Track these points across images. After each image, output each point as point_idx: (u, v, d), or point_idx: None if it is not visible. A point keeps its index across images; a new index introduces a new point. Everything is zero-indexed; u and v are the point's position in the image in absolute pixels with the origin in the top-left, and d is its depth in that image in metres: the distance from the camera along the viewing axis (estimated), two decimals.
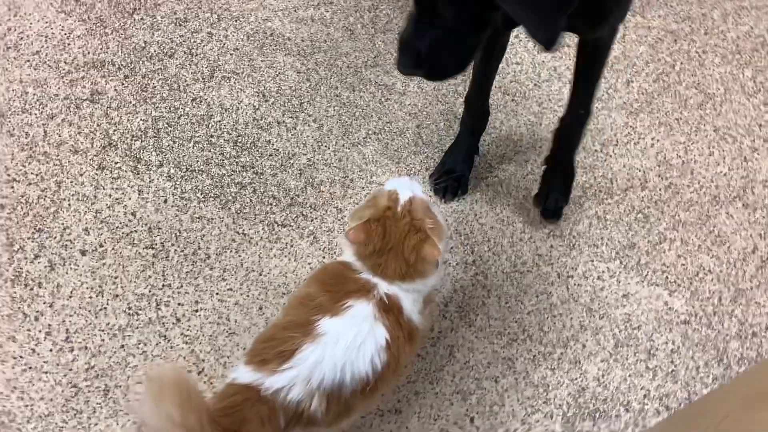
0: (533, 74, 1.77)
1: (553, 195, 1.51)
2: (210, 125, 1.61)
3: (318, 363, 0.99)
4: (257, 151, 1.58)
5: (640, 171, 1.62)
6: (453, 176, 1.54)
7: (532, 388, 1.32)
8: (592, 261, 1.48)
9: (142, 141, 1.57)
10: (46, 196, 1.47)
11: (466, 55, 1.10)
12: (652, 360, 1.37)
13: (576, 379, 1.34)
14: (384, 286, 1.06)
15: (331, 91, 1.69)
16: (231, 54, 1.73)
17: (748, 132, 1.71)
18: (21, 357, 1.27)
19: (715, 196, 1.60)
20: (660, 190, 1.60)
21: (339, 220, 1.49)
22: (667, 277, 1.48)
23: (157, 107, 1.62)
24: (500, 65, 1.46)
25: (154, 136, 1.58)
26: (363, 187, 1.54)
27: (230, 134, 1.60)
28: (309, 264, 1.43)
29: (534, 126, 1.67)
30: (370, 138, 1.62)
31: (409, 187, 1.11)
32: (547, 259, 1.48)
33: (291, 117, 1.64)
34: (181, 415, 0.87)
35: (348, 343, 1.01)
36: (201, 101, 1.65)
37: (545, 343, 1.38)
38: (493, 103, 1.58)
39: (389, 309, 1.05)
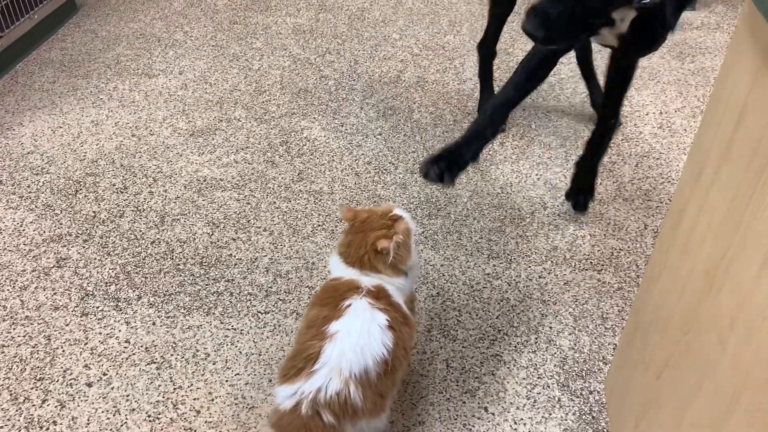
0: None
1: (583, 192, 1.91)
2: (174, 257, 1.78)
3: (342, 354, 1.16)
4: (223, 264, 1.76)
5: (537, 198, 1.98)
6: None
7: (524, 370, 1.51)
8: (530, 266, 1.76)
9: (116, 284, 1.71)
10: (38, 350, 1.54)
11: (579, 33, 1.38)
12: (607, 322, 1.62)
13: (555, 353, 1.54)
14: (367, 281, 1.26)
15: (270, 206, 1.95)
16: (174, 202, 1.96)
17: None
18: None
19: (599, 200, 1.97)
20: (558, 206, 1.95)
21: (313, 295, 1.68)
22: (591, 262, 1.78)
23: (121, 256, 1.79)
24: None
25: (126, 278, 1.72)
26: (324, 266, 1.76)
27: (194, 258, 1.78)
28: None
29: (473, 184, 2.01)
30: (316, 230, 1.87)
31: (406, 215, 1.34)
32: (494, 275, 1.73)
33: (243, 233, 1.86)
34: None
35: (358, 330, 1.18)
36: (159, 242, 1.83)
37: (519, 335, 1.59)
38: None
39: (378, 296, 1.24)
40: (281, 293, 1.68)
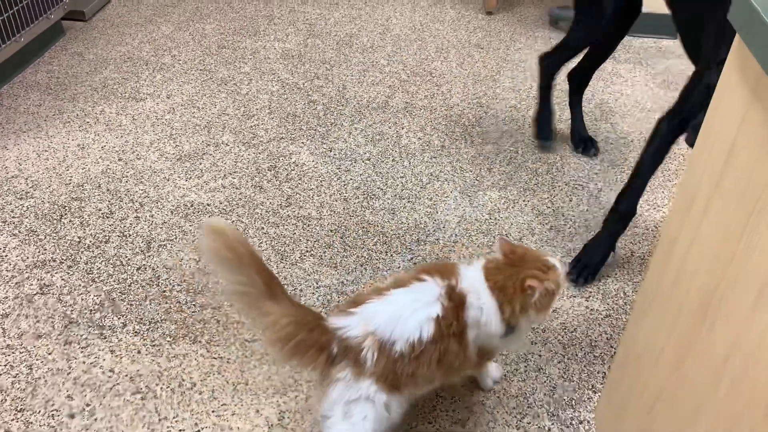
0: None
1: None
2: (160, 284, 1.76)
3: (378, 312, 1.18)
4: (209, 291, 1.74)
5: (525, 224, 1.98)
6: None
7: (514, 399, 1.50)
8: None
9: (101, 312, 1.68)
10: (19, 380, 1.51)
11: None
12: (596, 350, 1.61)
13: (545, 381, 1.54)
14: (465, 283, 1.23)
15: (258, 231, 1.93)
16: (161, 227, 1.94)
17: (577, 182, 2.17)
18: None
19: (586, 226, 1.98)
20: (546, 232, 1.95)
21: None
22: (579, 290, 1.78)
23: (107, 282, 1.76)
24: None
25: (111, 306, 1.69)
26: (313, 292, 1.74)
27: (180, 285, 1.76)
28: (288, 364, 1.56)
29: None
30: (305, 256, 1.85)
31: (560, 269, 1.29)
32: None
33: None
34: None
35: (407, 303, 1.19)
36: (146, 268, 1.81)
37: (509, 363, 1.58)
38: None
39: (454, 299, 1.21)
40: None
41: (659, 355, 1.00)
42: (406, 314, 1.18)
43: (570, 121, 2.34)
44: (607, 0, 1.95)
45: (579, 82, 2.28)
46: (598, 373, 1.56)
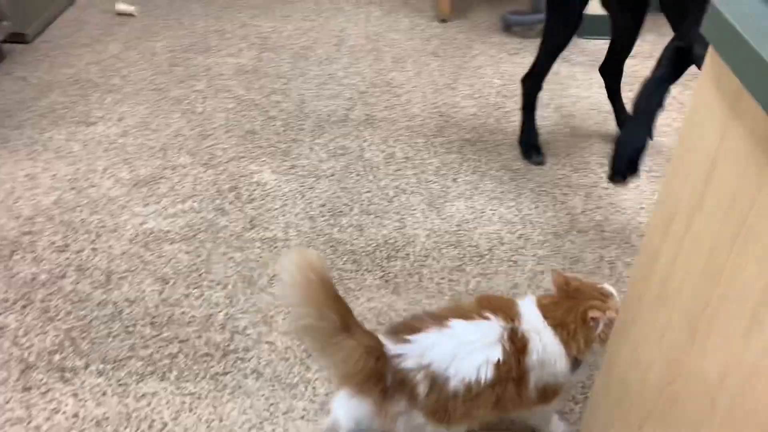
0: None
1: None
2: (122, 318, 1.68)
3: (436, 345, 1.15)
4: (175, 323, 1.67)
5: (494, 234, 1.97)
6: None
7: None
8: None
9: (60, 353, 1.59)
10: None
11: None
12: None
13: None
14: (526, 323, 1.20)
15: (222, 257, 1.87)
16: (120, 258, 1.86)
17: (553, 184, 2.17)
18: None
19: (554, 233, 1.98)
20: (515, 240, 1.95)
21: (274, 351, 1.61)
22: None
23: (65, 321, 1.67)
24: None
25: (71, 345, 1.61)
26: (284, 318, 1.69)
27: (144, 319, 1.68)
28: (262, 395, 1.50)
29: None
30: (273, 280, 1.80)
31: (616, 295, 1.26)
32: None
33: (195, 288, 1.77)
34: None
35: (468, 341, 1.16)
36: (106, 303, 1.73)
37: None
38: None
39: (516, 342, 1.19)
40: (240, 351, 1.61)
41: (647, 372, 0.99)
42: (464, 353, 1.15)
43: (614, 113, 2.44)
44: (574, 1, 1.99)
45: (613, 74, 2.35)
46: (576, 383, 1.55)
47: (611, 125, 2.46)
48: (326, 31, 3.09)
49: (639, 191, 2.16)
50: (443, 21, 3.19)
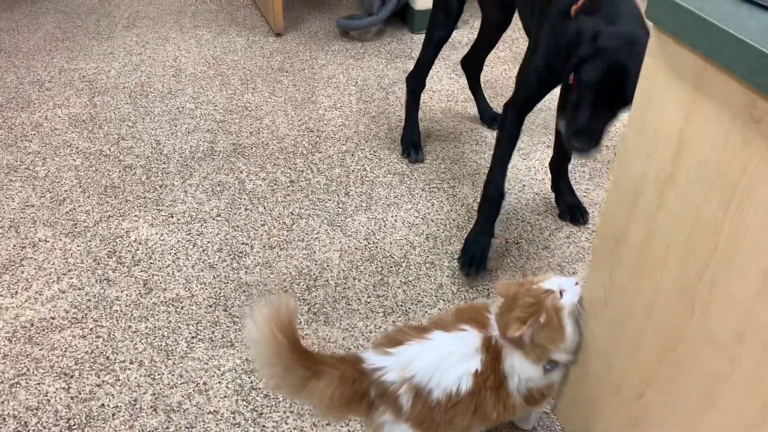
0: None
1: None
2: (30, 431, 1.44)
3: (417, 357, 1.17)
4: (98, 420, 1.46)
5: (403, 240, 1.96)
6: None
7: None
8: (426, 310, 1.74)
9: None
10: None
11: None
12: None
13: None
14: (496, 331, 1.21)
15: (126, 332, 1.67)
16: (3, 362, 1.59)
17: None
18: None
19: (457, 225, 2.02)
20: (423, 243, 1.96)
21: (221, 420, 1.47)
22: (477, 289, 1.81)
23: None
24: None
25: None
26: (219, 382, 1.55)
27: (58, 425, 1.45)
28: None
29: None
30: (193, 343, 1.64)
31: (569, 289, 1.19)
32: None
33: (107, 374, 1.57)
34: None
35: (447, 353, 1.18)
36: (4, 420, 1.46)
37: None
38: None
39: (492, 351, 1.20)
40: (182, 430, 1.45)
41: (637, 344, 1.04)
42: (446, 365, 1.16)
43: (476, 104, 2.51)
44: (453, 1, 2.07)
45: (474, 68, 2.45)
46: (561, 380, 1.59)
47: (471, 110, 2.56)
48: (158, 63, 2.88)
49: (516, 171, 2.27)
50: (279, 35, 3.10)
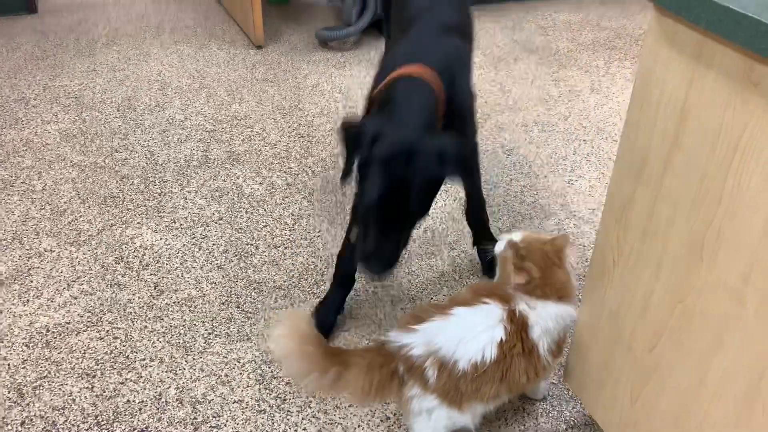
0: None
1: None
2: (59, 429, 1.46)
3: (441, 331, 1.25)
4: (125, 414, 1.50)
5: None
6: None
7: None
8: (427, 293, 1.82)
9: None
10: None
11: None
12: None
13: None
14: (521, 305, 1.29)
15: (143, 332, 1.71)
16: (24, 367, 1.61)
17: None
18: None
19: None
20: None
21: (247, 408, 1.52)
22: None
23: None
24: None
25: None
26: (240, 373, 1.60)
27: (86, 422, 1.48)
28: None
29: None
30: (210, 339, 1.69)
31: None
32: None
33: (129, 371, 1.60)
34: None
35: (471, 326, 1.26)
36: (31, 420, 1.48)
37: None
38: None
39: (516, 322, 1.28)
40: (210, 420, 1.49)
41: (647, 301, 1.14)
42: (469, 337, 1.24)
43: None
44: None
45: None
46: None
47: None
48: (143, 78, 2.92)
49: (502, 166, 2.38)
50: (259, 47, 3.18)
